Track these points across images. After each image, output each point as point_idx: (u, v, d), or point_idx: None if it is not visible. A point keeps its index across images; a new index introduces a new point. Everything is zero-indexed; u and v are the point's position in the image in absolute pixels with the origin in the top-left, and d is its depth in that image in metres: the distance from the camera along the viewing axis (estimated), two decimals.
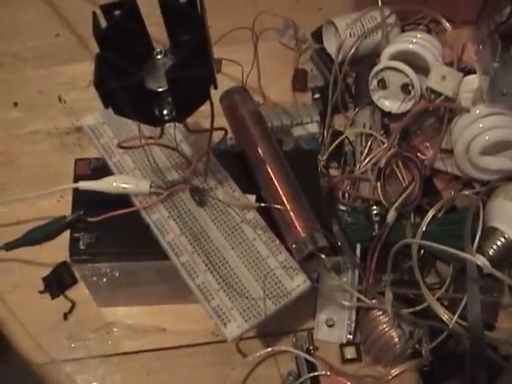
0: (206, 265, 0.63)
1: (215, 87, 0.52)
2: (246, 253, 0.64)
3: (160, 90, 0.52)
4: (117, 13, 0.52)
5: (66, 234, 0.68)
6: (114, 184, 0.65)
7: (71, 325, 0.78)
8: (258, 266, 0.64)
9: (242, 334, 0.61)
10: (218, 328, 0.62)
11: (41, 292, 0.79)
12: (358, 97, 0.89)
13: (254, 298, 0.62)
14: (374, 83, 0.85)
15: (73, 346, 0.77)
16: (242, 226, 0.65)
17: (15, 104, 0.92)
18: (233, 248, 0.65)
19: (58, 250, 0.75)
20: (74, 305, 0.78)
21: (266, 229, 0.66)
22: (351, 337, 0.76)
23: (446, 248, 0.68)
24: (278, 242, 0.65)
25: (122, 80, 0.49)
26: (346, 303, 0.75)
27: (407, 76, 0.82)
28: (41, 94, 0.93)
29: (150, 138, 0.61)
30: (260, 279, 0.63)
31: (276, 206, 0.66)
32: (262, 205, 0.65)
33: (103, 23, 0.53)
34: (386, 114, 0.86)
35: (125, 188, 0.65)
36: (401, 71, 0.82)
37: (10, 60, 0.96)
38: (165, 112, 0.52)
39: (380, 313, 0.73)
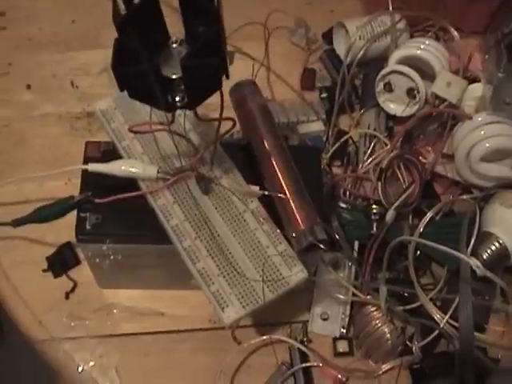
0: (208, 251, 0.65)
1: (227, 77, 0.54)
2: (247, 241, 0.66)
3: (174, 76, 0.54)
4: (136, 1, 0.54)
5: (73, 215, 0.70)
6: (123, 167, 0.67)
7: (72, 304, 0.80)
8: (258, 255, 0.66)
9: (239, 319, 0.63)
10: (216, 312, 0.64)
11: (44, 270, 0.81)
12: (365, 98, 0.91)
13: (253, 285, 0.64)
14: (380, 86, 0.86)
15: (72, 324, 0.78)
16: (244, 215, 0.67)
17: (28, 86, 0.94)
18: (234, 236, 0.66)
19: (63, 230, 0.77)
20: (75, 285, 0.80)
21: (267, 219, 0.67)
22: (344, 331, 0.77)
23: (441, 247, 0.70)
24: (278, 232, 0.67)
25: (138, 65, 0.51)
26: (342, 297, 0.77)
27: (413, 81, 0.84)
28: (54, 78, 0.95)
29: (160, 124, 0.63)
30: (259, 267, 0.65)
31: (279, 195, 0.68)
32: (266, 193, 0.67)
33: (123, 11, 0.55)
34: (391, 117, 0.88)
35: (132, 172, 0.67)
36: (407, 75, 0.84)
37: (25, 43, 0.98)
38: (177, 98, 0.54)
39: (374, 309, 0.75)
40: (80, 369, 0.77)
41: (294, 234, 0.67)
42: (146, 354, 0.78)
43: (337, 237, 0.74)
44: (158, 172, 0.67)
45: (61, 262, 0.81)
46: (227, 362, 0.76)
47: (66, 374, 0.77)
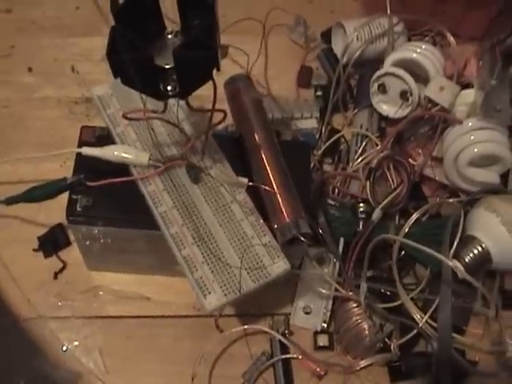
0: (194, 238, 0.67)
1: (218, 69, 0.55)
2: (233, 231, 0.68)
3: (167, 66, 0.55)
4: None
5: (65, 197, 0.71)
6: (116, 153, 0.69)
7: (60, 284, 0.81)
8: (243, 245, 0.67)
9: (220, 306, 0.65)
10: (198, 299, 0.65)
11: (35, 250, 0.82)
12: (359, 98, 0.92)
13: (236, 274, 0.66)
14: (374, 87, 0.88)
15: (60, 304, 0.80)
16: (231, 206, 0.69)
17: (30, 69, 0.96)
18: (220, 225, 0.68)
19: (55, 211, 0.79)
20: (65, 265, 0.82)
21: (253, 211, 0.69)
22: (325, 325, 0.79)
23: (423, 248, 0.71)
24: (263, 224, 0.68)
25: (132, 53, 0.53)
26: (325, 292, 0.79)
27: (407, 83, 0.85)
28: (55, 63, 0.97)
29: (154, 112, 0.65)
30: (243, 257, 0.66)
31: (265, 187, 0.69)
32: (251, 184, 0.69)
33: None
34: (384, 118, 0.89)
35: (125, 157, 0.69)
36: (401, 78, 0.85)
37: (29, 26, 1.00)
38: (169, 88, 0.56)
39: (355, 305, 0.77)
40: (64, 348, 0.78)
41: (278, 228, 0.68)
42: (130, 337, 0.79)
43: (321, 232, 0.75)
44: (149, 159, 0.69)
45: (52, 242, 0.83)
46: (209, 349, 0.77)
47: (51, 353, 0.78)
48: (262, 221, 0.68)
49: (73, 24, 1.00)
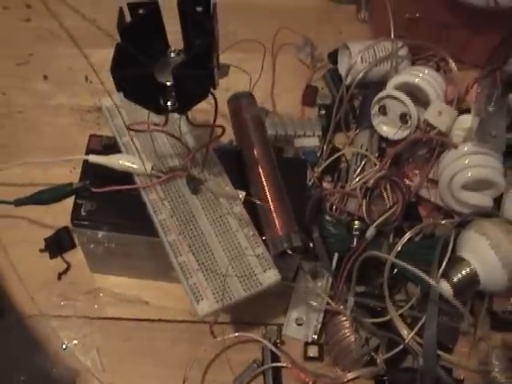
0: (190, 246, 0.70)
1: (214, 88, 0.58)
2: (228, 241, 0.71)
3: (168, 83, 0.59)
4: (141, 11, 0.59)
5: (71, 202, 0.75)
6: (120, 161, 0.72)
7: (64, 285, 0.85)
8: (236, 255, 0.70)
9: (211, 312, 0.67)
10: (192, 304, 0.68)
11: (41, 250, 0.86)
12: (361, 119, 0.95)
13: (228, 282, 0.68)
14: (375, 108, 0.91)
15: (62, 303, 0.84)
16: (227, 217, 0.72)
17: (45, 77, 1.00)
18: (216, 235, 0.71)
19: (62, 215, 0.81)
20: (69, 267, 0.85)
21: (248, 223, 0.72)
22: (316, 337, 0.82)
23: (412, 268, 0.74)
24: (257, 236, 0.71)
25: (135, 69, 0.56)
26: (317, 305, 0.81)
27: (407, 106, 0.88)
28: (69, 72, 1.01)
29: (157, 125, 0.68)
30: (236, 267, 0.69)
31: (259, 202, 0.72)
32: (246, 197, 0.73)
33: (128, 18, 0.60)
34: (384, 139, 0.92)
35: (129, 166, 0.72)
36: (402, 101, 0.88)
37: (46, 35, 1.04)
38: (169, 103, 0.59)
39: (344, 318, 0.80)
40: (64, 346, 0.82)
41: (270, 239, 0.71)
42: (127, 339, 0.82)
43: (312, 246, 0.78)
44: (152, 169, 0.72)
45: (57, 244, 0.86)
46: (202, 354, 0.80)
47: (51, 349, 0.82)
48: (256, 233, 0.71)
49: (88, 35, 1.03)
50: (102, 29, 1.02)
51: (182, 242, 0.70)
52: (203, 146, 0.72)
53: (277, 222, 0.72)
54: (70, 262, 0.86)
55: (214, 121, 0.65)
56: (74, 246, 0.87)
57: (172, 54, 0.61)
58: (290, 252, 0.70)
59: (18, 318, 0.83)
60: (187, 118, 0.63)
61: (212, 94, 0.60)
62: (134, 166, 0.72)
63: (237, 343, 0.82)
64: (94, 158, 0.73)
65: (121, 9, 0.59)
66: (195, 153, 0.72)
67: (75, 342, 0.82)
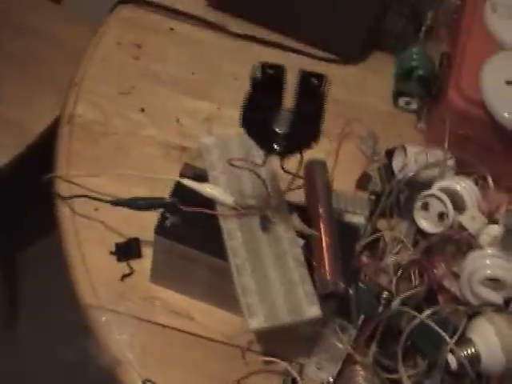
0: (252, 271, 0.83)
1: (316, 143, 0.74)
2: (283, 275, 0.84)
3: (279, 131, 0.74)
4: (270, 71, 0.75)
5: (146, 217, 0.89)
6: (209, 190, 0.86)
7: (124, 286, 0.95)
8: (289, 287, 0.83)
9: (259, 328, 0.80)
10: (245, 319, 0.80)
11: (111, 253, 0.97)
12: (404, 210, 1.09)
13: (278, 308, 0.81)
14: (418, 204, 1.05)
15: (119, 301, 0.94)
16: (287, 256, 0.85)
17: (142, 109, 1.14)
18: (275, 268, 0.84)
19: (136, 226, 0.97)
20: (132, 272, 0.96)
21: (303, 265, 0.85)
22: (332, 380, 0.92)
23: (420, 344, 0.89)
24: (309, 276, 0.85)
25: (259, 114, 0.72)
26: (339, 353, 0.93)
27: (446, 207, 1.02)
28: (164, 110, 1.15)
29: (252, 163, 0.83)
30: (286, 297, 0.83)
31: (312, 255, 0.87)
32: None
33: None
34: (420, 231, 1.06)
35: (215, 195, 0.86)
36: (443, 202, 1.02)
37: (149, 76, 1.19)
38: (276, 147, 0.74)
39: (360, 368, 0.91)
40: (112, 338, 0.92)
41: (320, 280, 0.85)
42: (169, 345, 0.93)
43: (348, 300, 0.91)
44: (233, 202, 0.86)
45: (126, 250, 0.98)
46: (229, 373, 0.91)
47: (101, 338, 0.92)
48: (307, 274, 0.85)
49: (186, 84, 1.19)
50: (198, 82, 1.20)
51: (247, 267, 0.83)
52: (280, 193, 0.86)
53: (327, 268, 0.85)
54: (134, 268, 0.97)
55: (297, 174, 0.80)
56: (139, 255, 0.98)
57: (284, 111, 0.77)
58: (334, 296, 0.83)
59: (78, 305, 0.95)
60: (281, 164, 0.78)
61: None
62: (220, 196, 0.86)
63: (262, 371, 0.92)
64: (187, 182, 0.87)
65: (255, 65, 0.74)
66: (272, 197, 0.86)
67: (124, 336, 0.92)
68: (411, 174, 1.09)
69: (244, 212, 0.86)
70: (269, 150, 0.74)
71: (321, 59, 1.27)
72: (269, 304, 0.81)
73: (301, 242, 0.87)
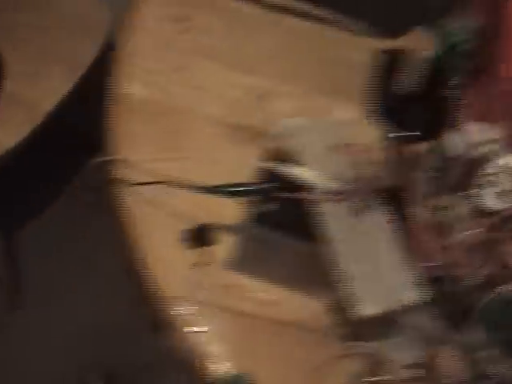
0: (355, 258, 0.82)
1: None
2: (385, 260, 0.84)
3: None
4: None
5: (216, 204, 0.89)
6: (307, 174, 0.84)
7: (199, 274, 0.92)
8: (391, 272, 0.83)
9: (372, 315, 0.80)
10: (349, 307, 0.81)
11: (182, 240, 0.94)
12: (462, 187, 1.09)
13: (384, 293, 0.82)
14: (483, 180, 1.04)
15: (197, 290, 0.91)
16: (386, 241, 0.85)
17: (196, 87, 1.08)
18: (376, 253, 0.84)
19: (214, 214, 0.93)
20: (206, 260, 0.93)
21: (404, 250, 0.85)
22: (419, 362, 0.92)
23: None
24: (409, 261, 0.85)
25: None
26: (423, 332, 0.92)
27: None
28: (219, 87, 1.09)
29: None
30: (390, 282, 0.83)
31: None
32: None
33: None
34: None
35: (313, 180, 0.83)
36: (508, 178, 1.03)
37: (199, 51, 1.12)
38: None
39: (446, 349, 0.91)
40: (190, 329, 0.89)
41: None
42: (253, 333, 0.90)
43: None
44: (334, 187, 0.84)
45: (197, 237, 0.94)
46: (316, 361, 0.89)
47: (181, 332, 0.90)
48: (409, 259, 0.84)
49: (237, 59, 1.13)
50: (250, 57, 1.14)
51: (350, 254, 0.82)
52: (377, 180, 0.85)
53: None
54: (208, 256, 0.93)
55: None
56: (211, 243, 0.95)
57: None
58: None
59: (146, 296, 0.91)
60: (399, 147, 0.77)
61: None
62: (320, 181, 0.83)
63: (346, 356, 0.90)
64: (281, 167, 0.84)
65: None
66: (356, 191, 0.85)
67: (206, 327, 0.89)
68: (468, 150, 1.09)
69: (344, 197, 0.84)
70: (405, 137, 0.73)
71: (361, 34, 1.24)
72: (375, 290, 0.81)
73: (399, 226, 0.86)
